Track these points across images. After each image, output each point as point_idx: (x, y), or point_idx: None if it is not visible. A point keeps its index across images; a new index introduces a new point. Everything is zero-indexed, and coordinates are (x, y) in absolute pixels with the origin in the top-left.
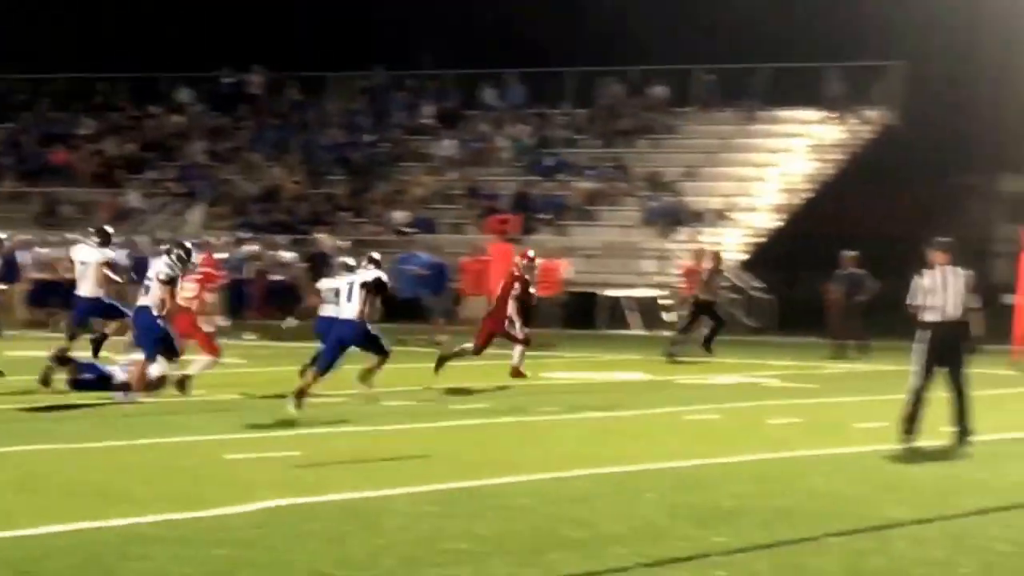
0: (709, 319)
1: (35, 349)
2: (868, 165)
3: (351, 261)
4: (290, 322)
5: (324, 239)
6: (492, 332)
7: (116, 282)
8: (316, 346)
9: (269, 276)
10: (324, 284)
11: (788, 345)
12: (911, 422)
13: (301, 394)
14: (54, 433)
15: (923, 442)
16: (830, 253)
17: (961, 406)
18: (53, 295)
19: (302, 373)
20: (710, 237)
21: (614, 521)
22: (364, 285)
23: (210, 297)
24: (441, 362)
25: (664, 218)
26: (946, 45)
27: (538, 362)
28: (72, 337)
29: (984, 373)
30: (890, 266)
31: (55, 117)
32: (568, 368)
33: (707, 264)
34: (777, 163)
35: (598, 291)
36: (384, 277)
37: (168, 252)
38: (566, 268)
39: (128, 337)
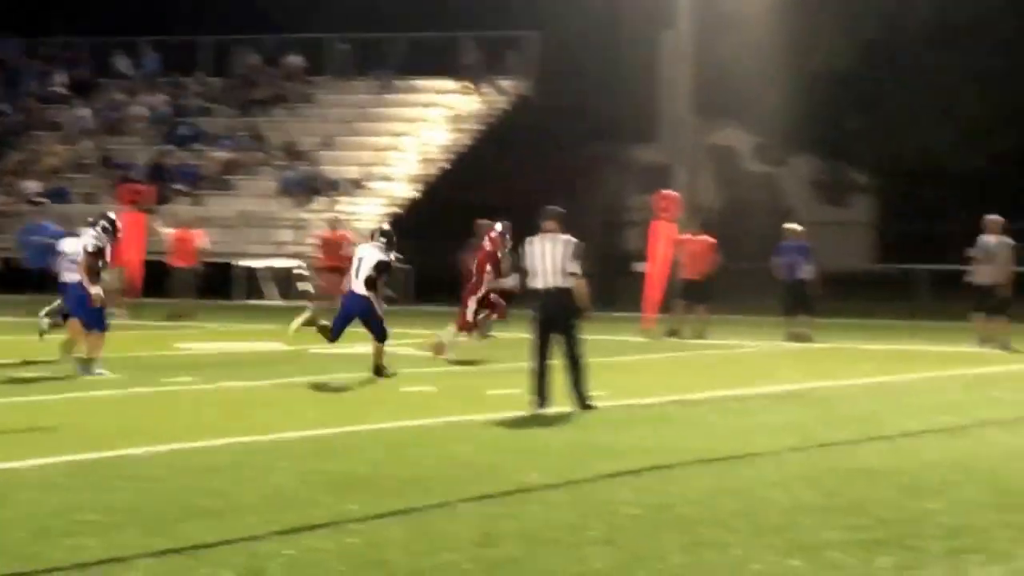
0: None
1: None
2: (504, 135)
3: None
4: None
5: None
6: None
7: None
8: None
9: None
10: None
11: (424, 314)
12: (540, 389)
13: (378, 370)
14: None
15: (555, 408)
16: (466, 223)
17: (575, 374)
18: None
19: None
20: (347, 207)
21: (248, 490)
22: (377, 267)
23: None
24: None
25: (300, 188)
26: (580, 15)
27: (174, 333)
28: None
29: (616, 340)
30: (526, 235)
31: None
32: (204, 339)
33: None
34: (413, 133)
35: (234, 261)
36: (390, 258)
37: (94, 224)
38: (202, 238)
39: None
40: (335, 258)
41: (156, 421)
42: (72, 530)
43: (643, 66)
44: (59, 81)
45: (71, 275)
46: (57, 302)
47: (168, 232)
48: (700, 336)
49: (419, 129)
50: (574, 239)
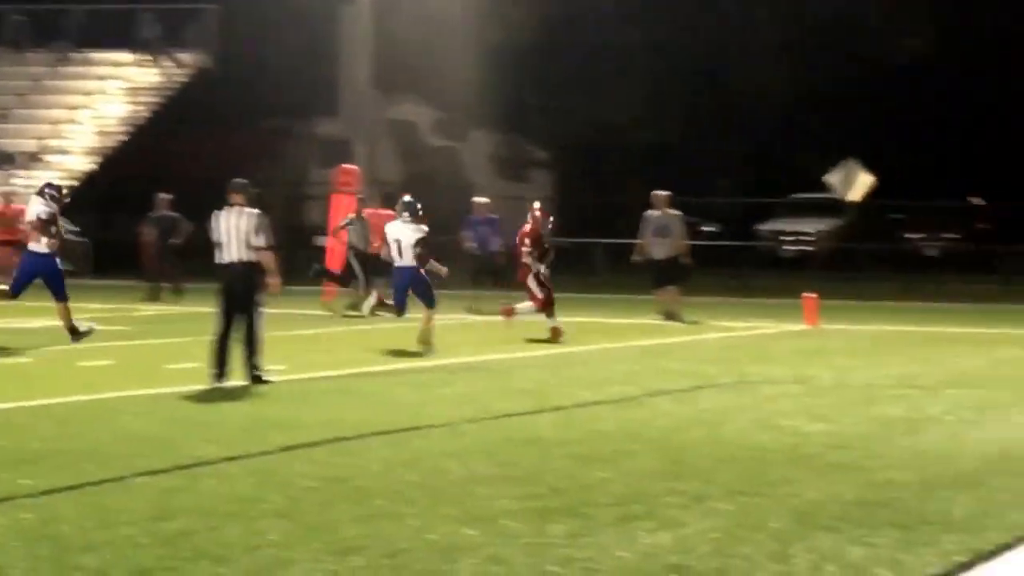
0: None
1: None
2: (183, 108)
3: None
4: None
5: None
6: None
7: None
8: None
9: None
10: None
11: (102, 288)
12: (219, 363)
13: (427, 338)
14: None
15: (234, 382)
16: (145, 195)
17: (250, 348)
18: None
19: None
20: (23, 180)
21: None
22: (419, 244)
23: None
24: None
25: None
26: None
27: None
28: None
29: (297, 313)
30: (205, 208)
31: None
32: None
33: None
34: (91, 105)
35: None
36: (424, 231)
37: (40, 193)
38: None
39: None
40: (9, 231)
41: None
42: None
43: (324, 40)
44: None
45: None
46: None
47: None
48: (381, 308)
49: (96, 102)
50: (259, 212)
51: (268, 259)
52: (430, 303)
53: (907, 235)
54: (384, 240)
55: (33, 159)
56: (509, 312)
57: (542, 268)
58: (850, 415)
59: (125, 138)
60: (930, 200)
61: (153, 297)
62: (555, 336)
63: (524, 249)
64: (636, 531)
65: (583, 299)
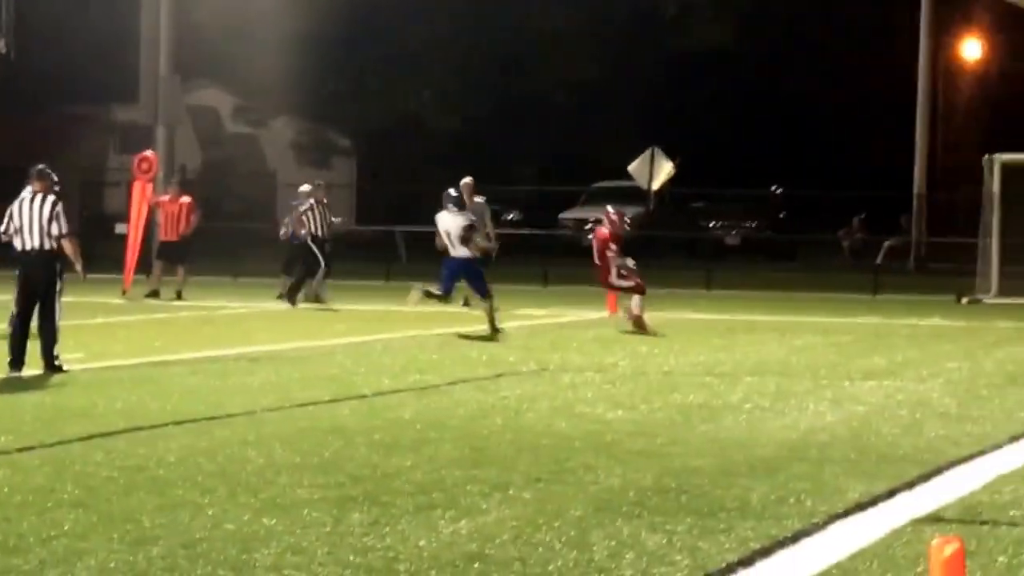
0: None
1: None
2: None
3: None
4: None
5: None
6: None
7: None
8: None
9: None
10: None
11: None
12: (16, 352)
13: (493, 326)
14: None
15: (30, 371)
16: None
17: (46, 336)
18: None
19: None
20: None
21: None
22: (466, 230)
23: None
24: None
25: None
26: None
27: None
28: None
29: (95, 301)
30: (3, 196)
31: None
32: None
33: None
34: None
35: None
36: (471, 219)
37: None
38: None
39: None
40: None
41: None
42: None
43: (123, 25)
44: None
45: None
46: None
47: None
48: (179, 297)
49: None
50: (58, 199)
51: (69, 246)
52: (484, 293)
53: (709, 223)
54: (436, 232)
55: None
56: (639, 321)
57: (628, 262)
58: (650, 402)
59: None
60: (731, 189)
61: None
62: (640, 325)
63: (609, 254)
64: (436, 519)
65: (385, 287)
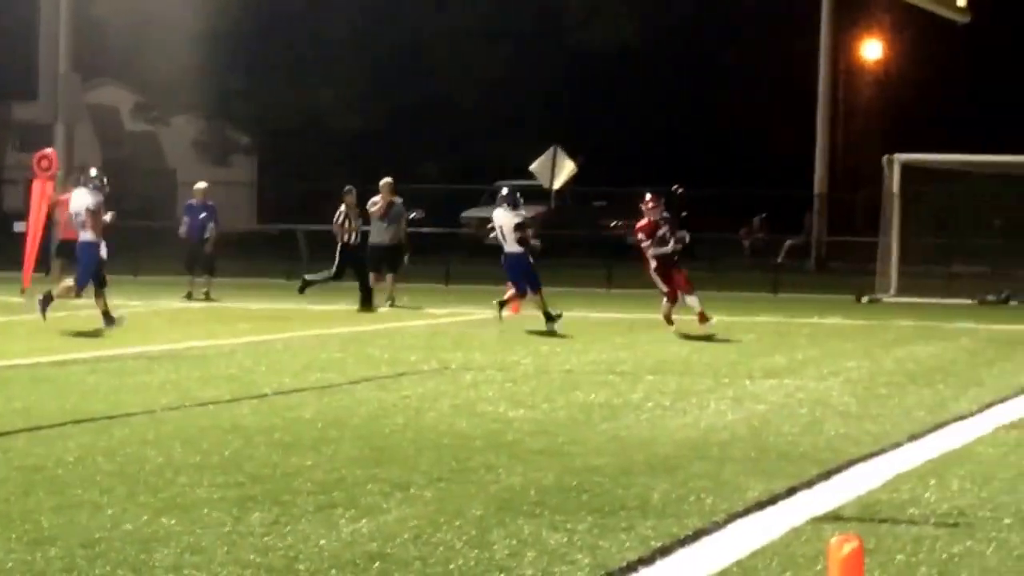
0: None
1: None
2: None
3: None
4: None
5: None
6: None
7: None
8: None
9: None
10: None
11: None
12: None
13: (548, 315)
14: None
15: None
16: None
17: None
18: None
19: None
20: None
21: None
22: (517, 227)
23: None
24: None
25: None
26: None
27: None
28: None
29: None
30: None
31: None
32: None
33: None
34: None
35: None
36: (524, 215)
37: (84, 183)
38: None
39: None
40: None
41: None
42: None
43: (22, 22)
44: None
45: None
46: None
47: None
48: (78, 296)
49: None
50: None
51: None
52: (535, 286)
53: (610, 222)
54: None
55: None
56: (703, 319)
57: (667, 249)
58: (551, 401)
59: None
60: (633, 188)
61: None
62: (703, 320)
63: (643, 244)
64: (337, 519)
65: (286, 285)
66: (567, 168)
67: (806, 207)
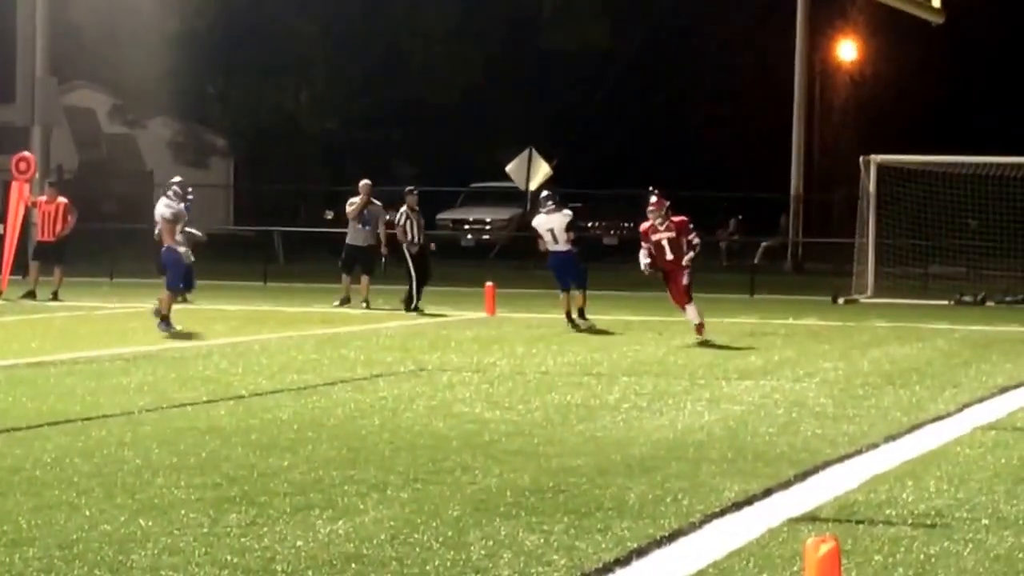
0: None
1: None
2: None
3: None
4: None
5: None
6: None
7: None
8: None
9: None
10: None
11: None
12: None
13: (581, 313)
14: None
15: None
16: None
17: None
18: None
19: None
20: None
21: None
22: (570, 226)
23: None
24: None
25: None
26: None
27: None
28: None
29: None
30: None
31: None
32: None
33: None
34: None
35: None
36: (571, 215)
37: (164, 191)
38: None
39: None
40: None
41: None
42: None
43: None
44: None
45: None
46: None
47: None
48: (56, 298)
49: None
50: None
51: None
52: (582, 284)
53: (586, 224)
54: (537, 232)
55: None
56: (699, 330)
57: (644, 262)
58: (527, 402)
59: None
60: (608, 189)
61: None
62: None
63: (642, 248)
64: (314, 520)
65: (264, 288)
66: (542, 170)
67: (782, 208)
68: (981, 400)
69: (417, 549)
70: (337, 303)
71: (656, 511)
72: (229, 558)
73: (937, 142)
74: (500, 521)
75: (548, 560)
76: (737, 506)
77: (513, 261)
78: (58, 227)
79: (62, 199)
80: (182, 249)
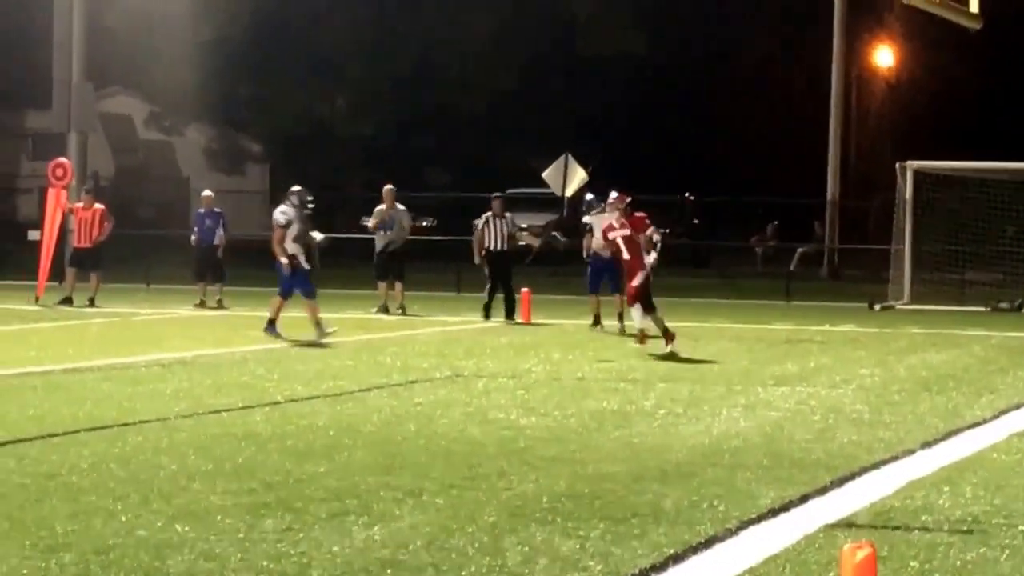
0: None
1: None
2: None
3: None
4: None
5: None
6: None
7: None
8: None
9: None
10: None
11: None
12: None
13: (620, 316)
14: None
15: None
16: None
17: None
18: None
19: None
20: None
21: None
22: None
23: None
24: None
25: None
26: None
27: None
28: None
29: (8, 308)
30: None
31: None
32: None
33: None
34: None
35: None
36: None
37: (286, 198)
38: None
39: None
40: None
41: None
42: None
43: (36, 30)
44: None
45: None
46: None
47: None
48: (92, 304)
49: None
50: None
51: None
52: (616, 287)
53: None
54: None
55: None
56: (640, 338)
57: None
58: (563, 408)
59: None
60: (644, 195)
61: None
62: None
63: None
64: (350, 526)
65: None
66: (578, 175)
67: (818, 214)
68: (1018, 407)
69: (453, 555)
70: (375, 310)
71: (692, 517)
72: (265, 564)
73: (973, 147)
74: (536, 527)
75: (584, 566)
76: (773, 512)
77: (549, 267)
78: (95, 233)
79: (99, 205)
80: (283, 261)
